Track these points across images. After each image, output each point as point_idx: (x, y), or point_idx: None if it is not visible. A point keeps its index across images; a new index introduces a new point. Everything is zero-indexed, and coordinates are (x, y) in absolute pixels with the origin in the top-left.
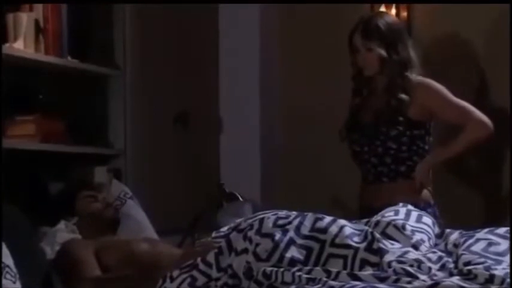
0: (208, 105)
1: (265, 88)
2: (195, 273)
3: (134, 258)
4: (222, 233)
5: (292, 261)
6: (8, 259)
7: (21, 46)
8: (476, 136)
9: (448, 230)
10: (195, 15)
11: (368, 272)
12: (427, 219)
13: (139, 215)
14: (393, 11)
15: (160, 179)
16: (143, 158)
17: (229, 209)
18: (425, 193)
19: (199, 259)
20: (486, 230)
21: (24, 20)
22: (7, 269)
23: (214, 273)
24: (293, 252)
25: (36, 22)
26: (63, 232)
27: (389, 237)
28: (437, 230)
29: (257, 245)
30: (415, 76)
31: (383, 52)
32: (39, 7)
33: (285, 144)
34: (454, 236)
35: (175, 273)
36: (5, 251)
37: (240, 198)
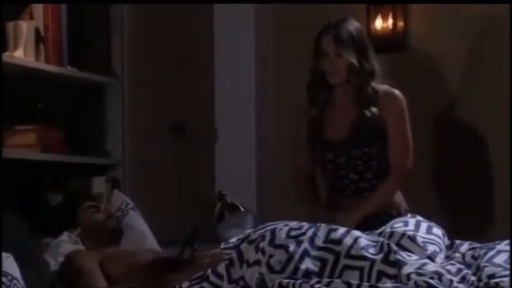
0: (203, 114)
1: (261, 97)
2: (205, 284)
3: (140, 269)
4: (231, 244)
5: (307, 273)
6: (15, 271)
7: (21, 55)
8: (395, 187)
9: (457, 241)
10: (191, 25)
11: (389, 284)
12: (437, 231)
13: (141, 226)
14: (390, 21)
15: (157, 189)
16: (141, 167)
17: (230, 220)
18: (400, 199)
19: (209, 270)
20: (506, 241)
21: (24, 28)
22: (15, 281)
23: (225, 285)
24: (308, 264)
25: (37, 30)
26: (67, 243)
27: (404, 249)
28: (447, 241)
29: (270, 256)
30: (379, 85)
31: (354, 59)
32: (39, 15)
33: (281, 153)
34: (465, 247)
35: (185, 284)
36: (13, 263)
37: (242, 209)
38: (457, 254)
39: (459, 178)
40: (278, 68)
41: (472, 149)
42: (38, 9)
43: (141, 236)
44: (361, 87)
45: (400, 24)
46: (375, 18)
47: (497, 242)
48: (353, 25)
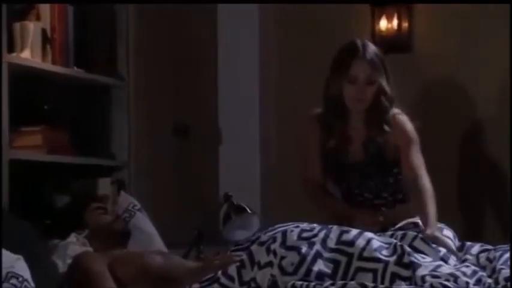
0: (207, 116)
1: (265, 98)
2: (216, 286)
3: (149, 272)
4: (240, 246)
5: (320, 275)
6: (26, 273)
7: (28, 56)
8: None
9: (468, 243)
10: (194, 27)
11: (404, 287)
12: (448, 232)
13: (148, 227)
14: (395, 22)
15: (161, 190)
16: (145, 169)
17: (237, 221)
18: None
19: (219, 272)
20: None
21: (31, 29)
22: (25, 283)
23: (236, 287)
24: (320, 266)
25: (44, 31)
26: (75, 245)
27: (417, 251)
28: (457, 242)
29: (282, 258)
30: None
31: (385, 85)
32: (46, 16)
33: (284, 154)
34: (476, 248)
35: (195, 286)
36: (24, 264)
37: (248, 211)
38: (469, 256)
39: (473, 177)
40: (281, 68)
41: (477, 142)
42: (44, 10)
43: (149, 237)
44: (385, 113)
45: (405, 25)
46: (379, 19)
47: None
48: (377, 49)
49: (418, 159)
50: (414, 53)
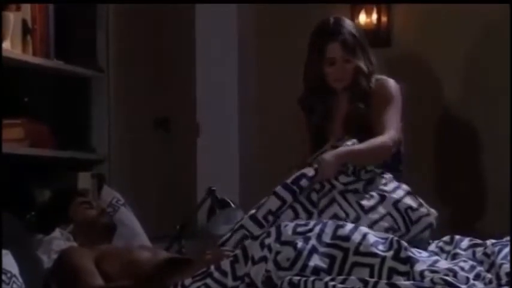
0: (187, 109)
1: (243, 91)
2: (209, 281)
3: (137, 267)
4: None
5: (316, 270)
6: (14, 268)
7: (8, 47)
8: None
9: (457, 237)
10: (174, 21)
11: (408, 282)
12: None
13: (132, 222)
14: (374, 16)
15: (142, 184)
16: (125, 162)
17: (221, 216)
18: None
19: (212, 267)
20: None
21: (11, 19)
22: (13, 278)
23: (230, 282)
24: (316, 261)
25: (24, 22)
26: (59, 240)
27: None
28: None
29: (278, 253)
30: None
31: (361, 63)
32: (26, 7)
33: (263, 146)
34: (465, 243)
35: (187, 281)
36: (11, 260)
37: (232, 205)
38: (460, 251)
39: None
40: (259, 62)
41: (457, 138)
42: None
43: (133, 232)
44: (365, 87)
45: (384, 19)
46: (358, 13)
47: (509, 239)
48: (352, 25)
49: (391, 119)
50: (393, 47)
